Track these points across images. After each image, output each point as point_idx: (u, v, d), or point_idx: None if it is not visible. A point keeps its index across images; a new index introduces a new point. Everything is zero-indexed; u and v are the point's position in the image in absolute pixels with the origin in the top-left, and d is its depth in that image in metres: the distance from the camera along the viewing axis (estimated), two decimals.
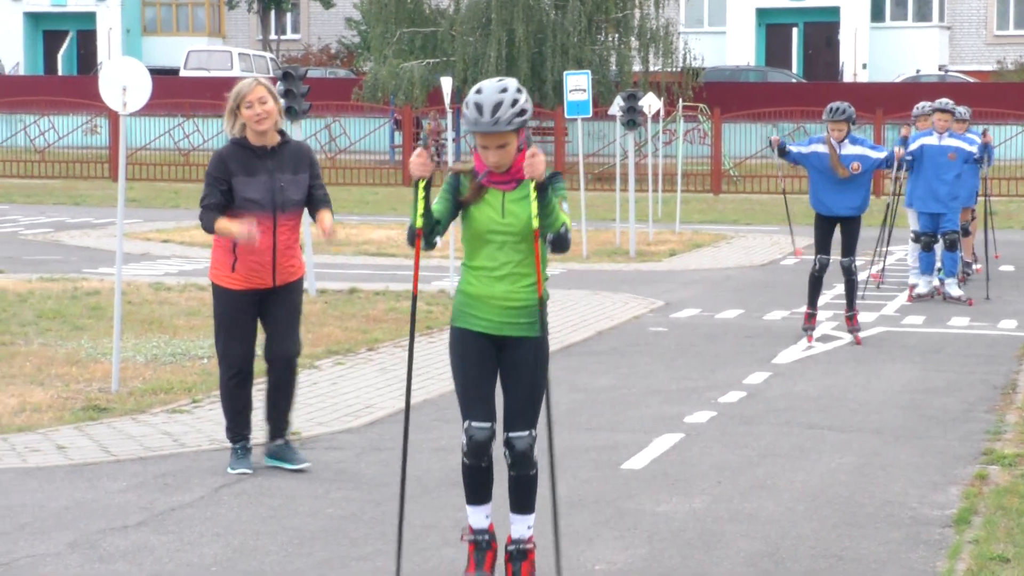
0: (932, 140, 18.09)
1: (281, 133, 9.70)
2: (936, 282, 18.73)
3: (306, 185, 9.74)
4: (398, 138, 44.94)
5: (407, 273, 20.90)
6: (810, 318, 15.50)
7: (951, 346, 15.38)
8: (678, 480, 9.78)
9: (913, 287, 18.77)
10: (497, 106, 7.28)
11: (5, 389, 12.08)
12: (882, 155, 15.60)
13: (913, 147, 18.42)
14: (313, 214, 9.89)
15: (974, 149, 18.14)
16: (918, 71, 57.21)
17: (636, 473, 9.97)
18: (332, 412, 11.66)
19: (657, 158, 31.15)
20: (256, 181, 9.53)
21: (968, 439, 11.09)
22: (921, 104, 19.29)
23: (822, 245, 15.42)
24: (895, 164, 16.23)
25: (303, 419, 11.30)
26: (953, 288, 18.49)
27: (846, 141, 15.20)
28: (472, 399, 7.52)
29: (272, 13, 68.30)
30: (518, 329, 7.47)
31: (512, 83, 7.40)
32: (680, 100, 36.29)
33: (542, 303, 7.49)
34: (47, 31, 69.87)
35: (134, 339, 14.34)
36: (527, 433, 7.54)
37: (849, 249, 15.40)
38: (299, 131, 19.48)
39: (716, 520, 8.83)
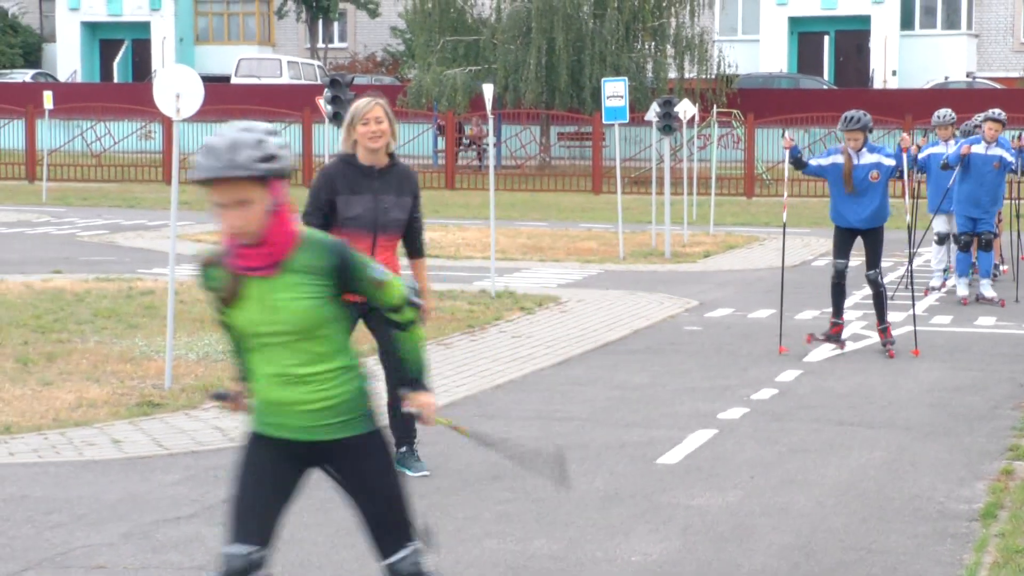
0: (979, 149, 17.84)
1: (391, 156, 9.56)
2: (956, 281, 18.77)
3: (408, 208, 9.61)
4: (441, 143, 44.99)
5: (448, 273, 20.92)
6: (835, 326, 14.97)
7: (977, 345, 15.31)
8: (712, 475, 9.76)
9: (929, 289, 18.73)
10: (234, 145, 5.51)
11: (63, 385, 12.14)
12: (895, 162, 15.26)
13: (922, 155, 18.42)
14: (410, 252, 9.85)
15: (1011, 158, 17.94)
16: (947, 78, 56.98)
17: (671, 468, 9.96)
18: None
19: (692, 162, 31.11)
20: (360, 199, 9.40)
21: (994, 436, 11.04)
22: (941, 112, 19.09)
23: (839, 251, 14.83)
24: (908, 165, 16.18)
25: None
26: (987, 289, 18.30)
27: (863, 150, 14.59)
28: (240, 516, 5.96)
29: (320, 22, 68.41)
30: (335, 430, 5.79)
31: (261, 127, 5.72)
32: (714, 106, 36.20)
33: (363, 393, 5.86)
34: (103, 40, 70.17)
35: (186, 337, 14.40)
36: (407, 552, 5.88)
37: (873, 261, 14.72)
38: None
39: (749, 514, 8.82)
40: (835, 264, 14.91)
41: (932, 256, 19.52)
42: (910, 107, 41.07)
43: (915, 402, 12.31)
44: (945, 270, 19.48)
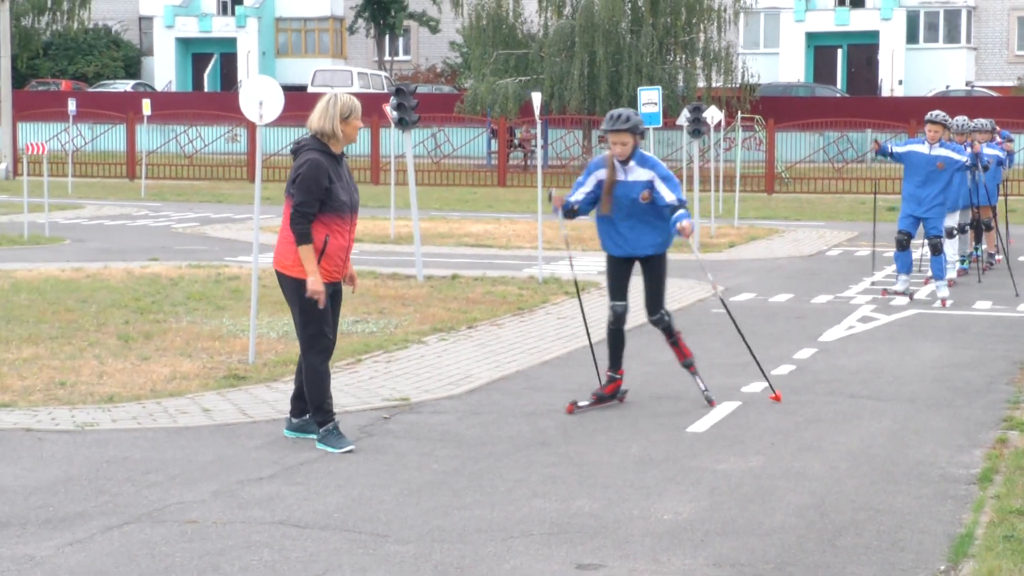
0: (923, 149, 16.65)
1: None
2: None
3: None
4: (494, 145, 44.96)
5: (502, 262, 20.92)
6: (612, 382, 10.98)
7: (976, 326, 15.19)
8: (736, 442, 9.72)
9: (951, 281, 18.53)
10: None
11: (159, 360, 12.19)
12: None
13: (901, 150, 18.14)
14: None
15: (961, 158, 16.71)
16: (948, 86, 56.60)
17: (699, 436, 9.92)
18: (437, 381, 11.68)
19: (718, 162, 31.00)
20: (343, 185, 9.30)
21: (991, 408, 10.96)
22: (932, 114, 18.63)
23: (616, 289, 11.04)
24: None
25: (412, 387, 11.33)
26: (942, 289, 16.81)
27: (631, 163, 10.64)
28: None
29: (387, 37, 68.49)
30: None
31: None
32: (739, 112, 36.03)
33: None
34: (195, 54, 70.47)
35: (268, 317, 14.44)
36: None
37: (656, 301, 11.00)
38: (409, 139, 19.51)
39: (769, 477, 8.77)
40: (612, 307, 10.91)
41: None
42: (915, 113, 40.74)
43: (919, 377, 12.23)
44: (963, 260, 19.32)
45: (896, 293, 17.16)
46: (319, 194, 9.17)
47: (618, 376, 10.92)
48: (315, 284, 9.17)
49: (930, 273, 18.69)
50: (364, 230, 25.88)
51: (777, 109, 45.84)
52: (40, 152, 24.66)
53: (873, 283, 18.83)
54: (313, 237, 9.22)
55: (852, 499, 8.29)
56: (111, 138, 45.79)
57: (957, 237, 18.80)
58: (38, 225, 24.78)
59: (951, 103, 42.83)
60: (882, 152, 16.64)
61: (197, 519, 7.71)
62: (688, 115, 24.12)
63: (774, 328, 14.86)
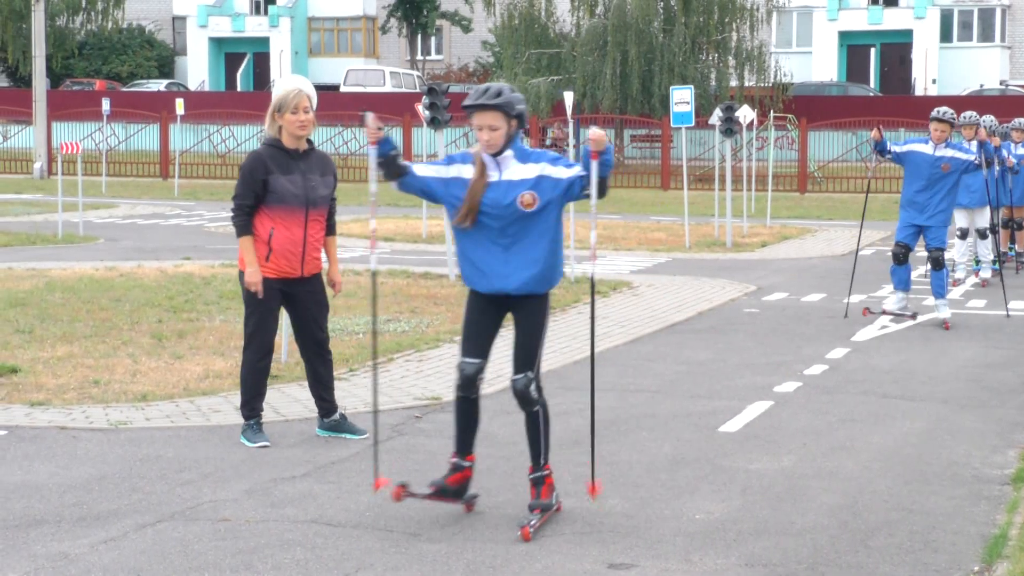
0: (926, 149, 14.99)
1: (308, 141, 9.45)
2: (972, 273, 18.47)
3: (332, 187, 9.55)
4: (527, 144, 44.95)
5: None
6: (456, 472, 8.02)
7: (1010, 326, 15.12)
8: (768, 441, 9.70)
9: (956, 281, 18.39)
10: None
11: (192, 359, 12.23)
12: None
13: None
14: (326, 228, 9.66)
15: (970, 157, 14.96)
16: (981, 85, 56.33)
17: (731, 435, 9.90)
18: None
19: (751, 162, 30.92)
20: (291, 179, 9.26)
21: None
22: (965, 114, 18.42)
23: (472, 342, 7.98)
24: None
25: (443, 386, 11.34)
26: (943, 309, 15.13)
27: (508, 154, 7.63)
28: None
29: (419, 37, 68.58)
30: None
31: None
32: (771, 111, 35.97)
33: None
34: (228, 53, 70.69)
35: None
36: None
37: (526, 358, 8.09)
38: (441, 138, 19.54)
39: (802, 477, 8.75)
40: (461, 365, 7.90)
41: (955, 250, 19.10)
42: None
43: (952, 377, 12.18)
44: (977, 261, 19.21)
45: (890, 313, 15.34)
46: (253, 186, 9.21)
47: (466, 464, 7.98)
48: (251, 276, 9.25)
49: (955, 274, 18.58)
50: (396, 229, 25.93)
51: (810, 108, 45.72)
52: (74, 151, 24.79)
53: (918, 276, 18.76)
54: (257, 229, 9.28)
55: (885, 499, 8.26)
56: (145, 137, 45.96)
57: (990, 237, 18.70)
58: (72, 224, 24.90)
59: (985, 102, 42.63)
60: (880, 149, 14.93)
61: (230, 517, 7.73)
62: (720, 114, 24.07)
63: (806, 328, 14.82)
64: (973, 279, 18.67)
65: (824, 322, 15.18)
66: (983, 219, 18.48)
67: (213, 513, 7.81)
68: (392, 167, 7.66)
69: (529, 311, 7.86)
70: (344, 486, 8.41)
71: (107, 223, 27.44)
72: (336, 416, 9.67)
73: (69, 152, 24.88)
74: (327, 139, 44.47)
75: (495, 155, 7.65)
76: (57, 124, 45.28)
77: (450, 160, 7.77)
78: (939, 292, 15.06)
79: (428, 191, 7.73)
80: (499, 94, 7.53)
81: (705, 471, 8.88)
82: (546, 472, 7.84)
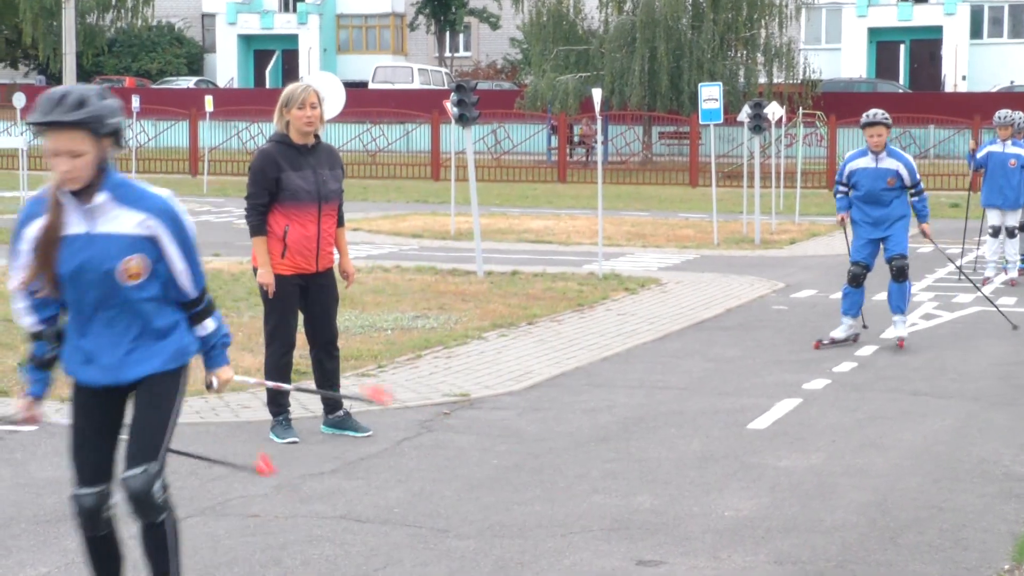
0: (867, 162, 13.38)
1: (315, 136, 9.44)
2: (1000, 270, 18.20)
3: (341, 179, 9.50)
4: (554, 141, 44.94)
5: (562, 258, 20.90)
6: None
7: None
8: (797, 439, 9.68)
9: (986, 279, 18.27)
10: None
11: None
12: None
13: (980, 153, 18.06)
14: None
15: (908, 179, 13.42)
16: (1012, 82, 56.06)
17: (760, 432, 9.88)
18: (496, 377, 11.69)
19: (779, 158, 30.85)
20: (302, 175, 9.24)
21: None
22: (1001, 113, 18.36)
23: (83, 469, 5.76)
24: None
25: (472, 383, 11.35)
26: (900, 327, 13.62)
27: (101, 199, 5.91)
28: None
29: (447, 34, 68.63)
30: None
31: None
32: (800, 108, 35.87)
33: None
34: (257, 50, 70.85)
35: None
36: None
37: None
38: (469, 135, 19.55)
39: (831, 474, 8.73)
40: (78, 498, 5.77)
41: (986, 248, 18.86)
42: (978, 109, 40.44)
43: (983, 375, 12.13)
44: (1006, 260, 19.09)
45: (838, 341, 13.51)
46: (266, 184, 9.20)
47: None
48: (263, 276, 9.27)
49: (986, 273, 18.44)
50: (424, 226, 25.95)
51: (839, 105, 45.57)
52: None
53: (936, 280, 18.71)
54: (272, 227, 9.28)
55: (915, 497, 8.23)
56: (174, 134, 46.10)
57: (1018, 236, 18.60)
58: None
59: (1016, 99, 42.42)
60: (841, 209, 13.65)
61: (259, 513, 7.75)
62: (749, 111, 24.02)
63: (835, 324, 14.76)
64: (1003, 277, 18.57)
65: None
66: (1014, 219, 18.38)
67: (242, 509, 7.84)
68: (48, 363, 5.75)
69: (154, 395, 5.78)
70: (372, 482, 8.42)
71: None
72: (340, 413, 9.69)
73: None
74: (355, 136, 44.53)
75: (79, 194, 5.42)
76: None
77: (21, 224, 5.49)
78: (899, 306, 13.52)
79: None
80: (81, 103, 5.31)
81: (734, 468, 8.86)
82: None
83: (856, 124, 42.37)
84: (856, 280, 13.51)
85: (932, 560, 7.06)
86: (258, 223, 9.27)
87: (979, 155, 18.25)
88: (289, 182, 9.20)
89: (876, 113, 13.25)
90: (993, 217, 18.45)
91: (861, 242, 13.51)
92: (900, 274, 13.44)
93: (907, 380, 11.83)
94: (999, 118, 18.29)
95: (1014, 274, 18.52)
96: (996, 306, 15.33)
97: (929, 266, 20.18)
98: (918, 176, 13.42)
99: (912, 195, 13.41)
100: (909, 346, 13.47)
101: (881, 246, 13.56)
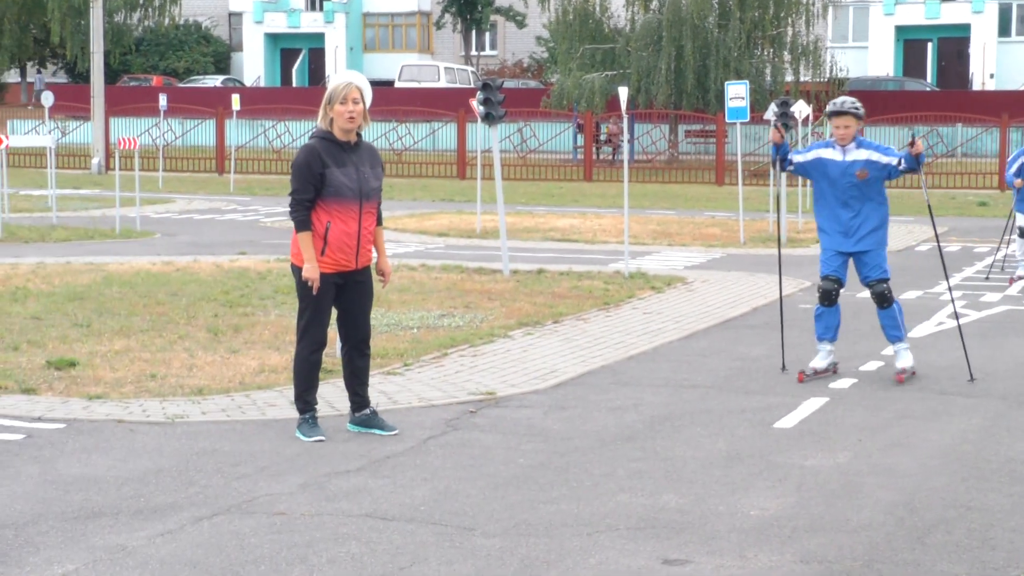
0: (835, 155, 11.50)
1: (357, 134, 9.41)
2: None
3: (381, 178, 9.50)
4: (580, 140, 44.91)
5: (588, 256, 20.89)
6: None
7: None
8: (823, 438, 9.65)
9: (1015, 278, 18.13)
10: None
11: (247, 353, 12.29)
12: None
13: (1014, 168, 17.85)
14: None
15: (893, 160, 11.40)
16: None
17: (786, 431, 9.85)
18: (523, 375, 11.69)
19: None
20: (345, 171, 9.24)
21: None
22: (838, 100, 17.29)
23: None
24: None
25: (498, 381, 11.35)
26: (903, 357, 11.76)
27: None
28: None
29: (473, 32, 68.66)
30: None
31: None
32: (827, 106, 35.80)
33: None
34: (283, 49, 71.02)
35: None
36: None
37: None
38: (495, 134, 19.54)
39: (857, 473, 8.70)
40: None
41: (1016, 247, 18.68)
42: (1006, 107, 40.27)
43: (1010, 374, 12.08)
44: None
45: (820, 372, 11.78)
46: (311, 179, 9.20)
47: None
48: (309, 272, 9.24)
49: (1018, 271, 18.34)
50: (450, 224, 25.96)
51: (866, 103, 45.21)
52: (131, 147, 24.96)
53: (964, 279, 18.63)
54: (314, 224, 9.28)
55: (942, 496, 8.20)
56: (201, 133, 46.23)
57: None
58: (129, 219, 25.08)
59: None
60: (781, 156, 11.67)
61: (285, 511, 7.76)
62: (775, 109, 23.97)
63: (862, 323, 14.73)
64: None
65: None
66: None
67: (269, 507, 7.85)
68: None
69: None
70: (399, 480, 8.43)
71: (164, 218, 27.62)
72: (367, 411, 9.69)
73: (126, 148, 25.06)
74: (382, 134, 44.58)
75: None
76: (115, 120, 45.60)
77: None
78: (895, 334, 11.69)
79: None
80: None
81: (760, 467, 8.84)
82: None
83: (884, 122, 42.35)
84: (828, 297, 11.78)
85: (960, 560, 7.03)
86: (303, 218, 9.27)
87: (1011, 169, 18.06)
88: (333, 178, 9.22)
89: (845, 101, 11.49)
90: (1022, 219, 18.38)
91: (830, 253, 11.74)
92: (882, 300, 11.63)
93: (934, 379, 11.79)
94: (835, 106, 17.21)
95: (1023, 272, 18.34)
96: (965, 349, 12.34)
97: (957, 264, 20.11)
98: (894, 150, 11.52)
99: (896, 166, 11.36)
100: (935, 345, 13.40)
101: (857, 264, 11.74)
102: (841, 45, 58.51)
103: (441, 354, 12.47)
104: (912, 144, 11.20)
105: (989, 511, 7.90)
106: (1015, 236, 18.66)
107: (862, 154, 11.38)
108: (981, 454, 9.24)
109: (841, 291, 11.83)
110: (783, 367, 12.06)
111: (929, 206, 12.79)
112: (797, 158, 11.58)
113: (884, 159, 11.32)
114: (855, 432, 9.83)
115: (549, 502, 8.00)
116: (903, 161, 11.29)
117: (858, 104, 11.46)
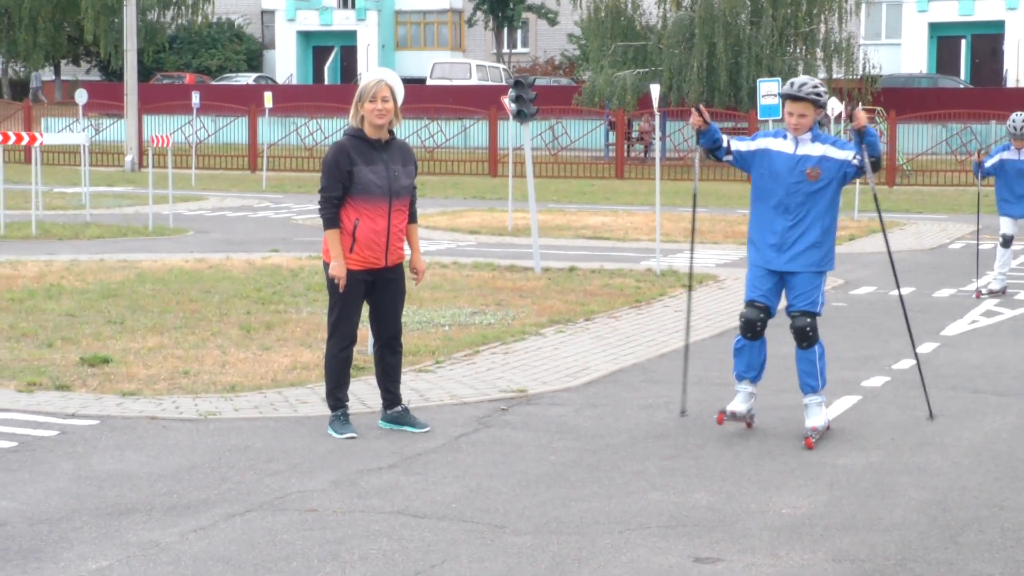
0: (785, 146, 9.27)
1: (390, 132, 9.45)
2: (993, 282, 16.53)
3: (413, 176, 9.51)
4: (612, 137, 44.88)
5: (619, 254, 20.88)
6: None
7: None
8: (856, 436, 9.62)
9: (990, 292, 17.01)
10: None
11: (279, 350, 12.32)
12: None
13: (990, 163, 16.98)
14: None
15: (850, 155, 9.25)
16: None
17: (818, 430, 9.81)
18: (554, 373, 11.69)
19: None
20: (375, 169, 9.26)
21: None
22: (1017, 123, 16.62)
23: None
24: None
25: (529, 379, 11.35)
26: (815, 414, 9.55)
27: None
28: None
29: (505, 30, 68.65)
30: None
31: None
32: (859, 104, 35.63)
33: None
34: (316, 47, 71.17)
35: None
36: None
37: None
38: (527, 131, 19.54)
39: (890, 472, 8.68)
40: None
41: (996, 259, 17.37)
42: None
43: None
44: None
45: (739, 417, 9.73)
46: (339, 177, 9.22)
47: None
48: (336, 269, 9.26)
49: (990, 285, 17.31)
50: (482, 222, 25.97)
51: (899, 100, 45.27)
52: (165, 144, 25.07)
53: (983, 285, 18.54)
54: (342, 221, 9.30)
55: (975, 495, 8.17)
56: (233, 131, 46.37)
57: (1011, 248, 17.69)
58: (162, 216, 25.18)
59: None
60: (708, 144, 9.74)
61: (317, 508, 7.78)
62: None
63: (894, 322, 14.67)
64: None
65: (913, 316, 15.01)
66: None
67: (301, 503, 7.87)
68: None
69: None
70: (430, 477, 8.44)
71: (196, 215, 27.72)
72: (399, 408, 9.70)
73: (160, 145, 25.17)
74: (413, 132, 44.64)
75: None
76: (148, 117, 45.79)
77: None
78: (809, 383, 9.56)
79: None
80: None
81: (792, 465, 8.82)
82: None
83: (918, 119, 42.17)
84: (751, 328, 9.55)
85: (993, 559, 7.01)
86: (331, 216, 9.29)
87: (988, 164, 17.22)
88: (361, 176, 9.24)
89: (805, 83, 9.26)
90: (1006, 226, 17.48)
91: (758, 272, 9.54)
92: (802, 338, 9.48)
93: (967, 378, 11.74)
94: (1014, 129, 17.04)
95: (996, 286, 17.18)
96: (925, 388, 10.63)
97: (989, 262, 20.00)
98: (854, 146, 9.31)
99: (851, 161, 9.29)
100: (968, 344, 13.34)
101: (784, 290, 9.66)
102: (874, 42, 58.32)
103: (473, 351, 12.48)
104: (852, 118, 9.30)
105: (1022, 510, 7.86)
106: (999, 246, 17.64)
107: (817, 149, 9.27)
108: (1014, 453, 9.20)
109: (769, 321, 9.60)
110: (683, 411, 10.19)
111: (875, 197, 10.51)
112: (739, 146, 9.45)
113: (841, 154, 9.23)
114: (887, 431, 9.80)
115: (580, 500, 8.00)
116: (856, 156, 9.25)
117: (820, 89, 9.25)
